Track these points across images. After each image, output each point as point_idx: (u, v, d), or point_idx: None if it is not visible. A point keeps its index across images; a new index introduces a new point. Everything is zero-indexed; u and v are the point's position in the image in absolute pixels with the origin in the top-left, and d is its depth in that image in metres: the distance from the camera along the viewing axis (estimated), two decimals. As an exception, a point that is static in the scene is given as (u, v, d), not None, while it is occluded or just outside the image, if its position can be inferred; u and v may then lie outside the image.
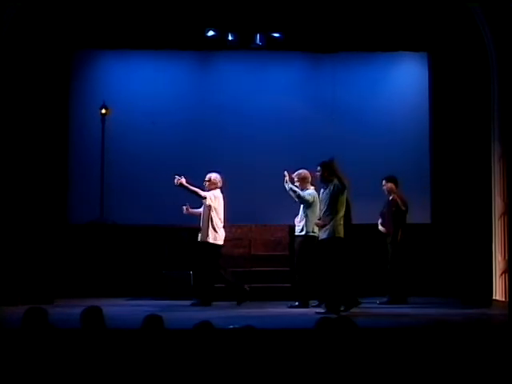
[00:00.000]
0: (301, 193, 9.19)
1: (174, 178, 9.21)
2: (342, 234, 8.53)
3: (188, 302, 9.63)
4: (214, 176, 9.52)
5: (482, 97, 9.93)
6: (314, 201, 9.20)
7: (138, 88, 11.00)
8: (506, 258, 9.25)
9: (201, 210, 9.52)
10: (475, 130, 10.14)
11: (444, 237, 10.69)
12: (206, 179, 9.50)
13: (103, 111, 10.59)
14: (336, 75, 11.11)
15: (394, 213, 9.73)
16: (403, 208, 9.70)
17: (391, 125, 11.05)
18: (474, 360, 5.23)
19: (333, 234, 8.45)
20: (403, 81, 11.24)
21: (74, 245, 10.63)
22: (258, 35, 10.54)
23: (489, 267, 9.60)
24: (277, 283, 10.06)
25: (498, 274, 9.49)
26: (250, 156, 10.57)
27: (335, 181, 8.51)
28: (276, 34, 10.58)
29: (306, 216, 9.19)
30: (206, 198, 9.35)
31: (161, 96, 11.00)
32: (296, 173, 9.34)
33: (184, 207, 9.56)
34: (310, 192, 9.26)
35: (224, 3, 10.32)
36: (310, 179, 9.32)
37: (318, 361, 4.35)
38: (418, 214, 10.79)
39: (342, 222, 8.55)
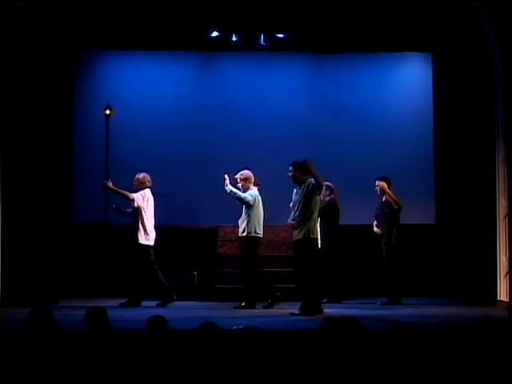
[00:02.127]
0: (241, 194, 9.26)
1: (103, 181, 9.42)
2: (316, 234, 8.59)
3: (192, 303, 9.70)
4: (142, 176, 9.58)
5: (486, 97, 9.90)
6: (254, 202, 9.27)
7: (142, 88, 11.02)
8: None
9: (130, 209, 9.53)
10: (479, 131, 10.10)
11: (448, 237, 10.69)
12: (134, 179, 9.56)
13: (107, 112, 10.59)
14: (340, 75, 11.10)
15: (388, 214, 9.77)
16: (395, 207, 9.70)
17: (395, 125, 11.06)
18: (477, 361, 5.21)
19: (307, 235, 8.47)
20: (407, 81, 11.25)
21: (77, 245, 10.64)
22: (262, 36, 10.53)
23: (493, 268, 9.58)
24: (281, 284, 9.99)
25: (503, 274, 9.46)
26: (253, 156, 10.51)
27: (308, 181, 8.51)
28: (280, 35, 10.57)
29: (248, 217, 9.27)
30: (133, 199, 9.39)
31: (165, 96, 11.01)
32: (239, 173, 9.40)
33: (114, 205, 9.61)
34: (251, 193, 9.31)
35: (228, 4, 10.30)
36: (252, 179, 9.39)
37: (322, 362, 4.35)
38: (423, 215, 10.82)
39: (316, 223, 8.60)
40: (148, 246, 9.52)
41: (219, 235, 10.70)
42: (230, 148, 10.85)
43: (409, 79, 11.26)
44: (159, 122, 10.96)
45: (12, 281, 9.38)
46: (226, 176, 9.27)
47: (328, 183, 10.01)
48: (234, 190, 9.27)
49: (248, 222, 9.26)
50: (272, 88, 11.09)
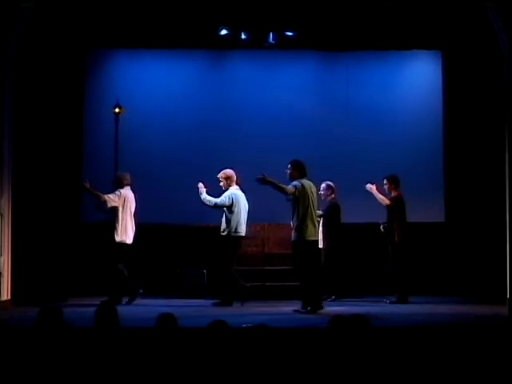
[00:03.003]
0: (213, 201, 9.34)
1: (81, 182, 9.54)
2: (312, 236, 8.61)
3: (202, 301, 9.67)
4: (118, 174, 9.63)
5: (496, 95, 9.88)
6: (233, 202, 9.36)
7: (151, 87, 11.01)
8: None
9: (102, 195, 9.48)
10: (489, 128, 10.10)
11: (458, 235, 10.65)
12: (114, 179, 9.62)
13: (117, 110, 10.51)
14: (349, 74, 11.05)
15: (388, 213, 9.79)
16: (386, 203, 9.74)
17: (405, 123, 11.01)
18: (484, 358, 5.20)
19: (299, 237, 8.54)
20: (417, 79, 11.18)
21: (86, 243, 10.65)
22: (271, 34, 10.52)
23: (503, 266, 9.54)
24: (290, 282, 9.92)
25: (513, 272, 9.44)
26: (262, 155, 10.50)
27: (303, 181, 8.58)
28: (289, 33, 10.56)
29: (228, 217, 9.38)
30: (105, 201, 9.42)
31: (174, 95, 11.00)
32: (221, 172, 9.50)
33: (95, 206, 9.65)
34: (228, 194, 9.39)
35: (237, 2, 10.28)
36: (234, 178, 9.51)
37: (332, 360, 4.36)
38: (432, 213, 10.77)
39: (314, 224, 8.64)
40: (125, 244, 9.54)
41: (228, 233, 10.68)
42: (238, 146, 10.83)
43: (418, 77, 11.19)
44: (168, 120, 10.95)
45: (23, 279, 9.41)
46: (200, 184, 9.38)
47: (329, 183, 10.03)
48: (208, 197, 9.37)
49: (228, 222, 9.37)
50: (281, 86, 11.05)
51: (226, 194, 9.41)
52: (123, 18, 10.37)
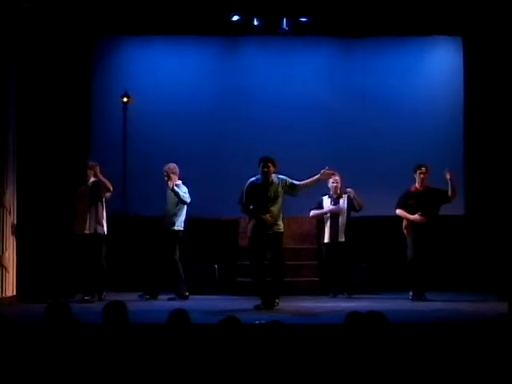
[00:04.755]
0: (183, 196, 9.54)
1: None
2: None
3: (213, 297, 9.68)
4: (96, 163, 9.52)
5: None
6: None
7: (160, 75, 10.93)
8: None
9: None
10: (511, 118, 9.90)
11: (478, 229, 10.51)
12: (95, 168, 9.50)
13: (125, 99, 10.51)
14: (366, 61, 10.94)
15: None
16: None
17: (424, 112, 10.86)
18: (502, 356, 5.08)
19: (283, 230, 8.72)
20: (437, 66, 11.03)
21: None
22: (285, 20, 10.45)
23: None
24: (305, 277, 10.00)
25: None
26: (275, 144, 10.31)
27: (280, 177, 8.66)
28: (303, 19, 10.47)
29: (180, 211, 9.62)
30: (111, 191, 9.42)
31: (184, 83, 10.91)
32: (166, 166, 9.59)
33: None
34: (185, 190, 9.60)
35: (249, -13, 10.22)
36: (178, 173, 9.60)
37: (348, 357, 4.34)
38: (452, 206, 10.53)
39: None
40: (106, 236, 9.53)
41: (240, 227, 10.54)
42: (251, 136, 10.70)
43: (438, 64, 11.05)
44: (179, 109, 10.83)
45: (28, 275, 9.35)
46: (171, 175, 9.54)
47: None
48: (176, 189, 9.51)
49: (179, 216, 9.59)
50: (295, 74, 10.94)
51: (185, 189, 9.57)
52: (132, 3, 10.25)
